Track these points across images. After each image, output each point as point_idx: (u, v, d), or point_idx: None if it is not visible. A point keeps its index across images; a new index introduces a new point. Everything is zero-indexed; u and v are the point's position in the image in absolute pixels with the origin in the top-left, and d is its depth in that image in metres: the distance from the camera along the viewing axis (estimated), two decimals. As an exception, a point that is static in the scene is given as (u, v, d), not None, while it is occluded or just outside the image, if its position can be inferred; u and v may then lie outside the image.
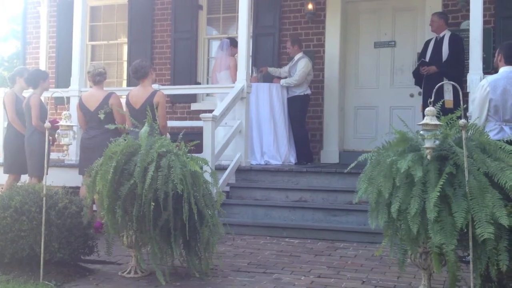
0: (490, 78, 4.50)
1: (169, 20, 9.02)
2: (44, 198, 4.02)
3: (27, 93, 6.60)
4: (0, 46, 21.50)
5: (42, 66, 9.33)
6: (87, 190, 4.10)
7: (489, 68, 6.74)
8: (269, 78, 7.90)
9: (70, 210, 4.16)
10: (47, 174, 4.37)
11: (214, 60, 8.76)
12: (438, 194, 3.12)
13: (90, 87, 6.28)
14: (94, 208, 5.08)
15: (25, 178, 6.05)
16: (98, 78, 5.93)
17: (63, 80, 8.56)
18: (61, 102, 7.52)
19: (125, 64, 9.34)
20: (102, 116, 5.64)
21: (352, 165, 3.69)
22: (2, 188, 6.23)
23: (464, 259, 3.74)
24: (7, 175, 6.36)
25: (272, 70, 7.82)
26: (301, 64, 7.46)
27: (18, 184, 4.63)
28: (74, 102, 7.04)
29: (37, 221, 4.01)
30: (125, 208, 3.94)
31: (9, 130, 6.32)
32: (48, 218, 4.02)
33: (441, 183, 3.14)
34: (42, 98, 6.39)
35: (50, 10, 9.54)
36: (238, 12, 6.89)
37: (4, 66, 20.15)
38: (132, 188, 3.87)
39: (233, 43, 7.51)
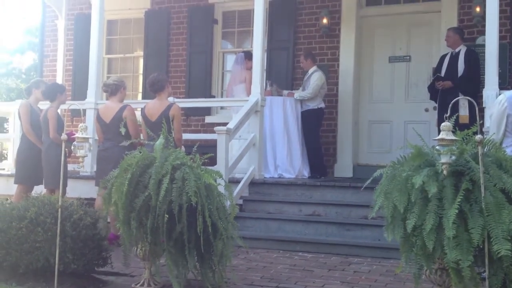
0: (508, 93, 4.47)
1: (184, 34, 9.11)
2: (59, 210, 4.05)
3: (43, 105, 6.68)
4: (18, 58, 21.83)
5: (59, 79, 9.46)
6: (103, 202, 4.13)
7: (505, 83, 6.71)
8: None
9: (85, 222, 4.18)
10: (66, 185, 4.40)
11: (228, 73, 8.83)
12: (457, 211, 3.09)
13: (107, 99, 6.35)
14: (108, 219, 5.11)
15: (39, 189, 6.08)
16: (105, 89, 6.01)
17: (80, 93, 8.66)
18: (77, 115, 7.59)
19: (140, 77, 9.43)
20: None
21: (369, 181, 3.67)
22: (8, 199, 6.26)
23: (481, 276, 3.69)
24: (16, 186, 6.36)
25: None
26: (315, 78, 7.48)
27: (33, 195, 4.67)
28: (90, 114, 7.12)
29: (52, 232, 4.03)
30: (140, 220, 3.95)
31: (23, 141, 6.36)
32: (63, 229, 4.05)
33: (459, 199, 3.12)
34: (59, 111, 6.45)
35: (68, 24, 9.69)
36: (253, 26, 6.94)
37: (22, 79, 20.44)
38: (146, 200, 3.89)
39: (248, 56, 7.55)
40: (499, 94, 4.76)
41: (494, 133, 4.18)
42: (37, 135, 6.26)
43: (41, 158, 6.14)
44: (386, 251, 5.18)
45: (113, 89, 5.95)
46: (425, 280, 3.62)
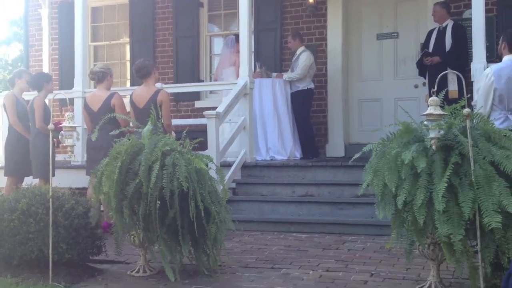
0: (494, 67, 4.47)
1: (170, 19, 9.02)
2: (50, 200, 4.03)
3: (28, 95, 6.61)
4: (4, 49, 21.58)
5: (46, 69, 9.36)
6: (94, 191, 4.11)
7: (493, 56, 6.69)
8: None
9: (77, 211, 4.17)
10: (53, 175, 4.38)
11: (216, 57, 8.77)
12: (446, 185, 3.11)
13: (95, 87, 6.29)
14: (101, 208, 5.10)
15: (30, 181, 6.05)
16: (92, 76, 5.97)
17: (67, 82, 8.58)
18: (65, 104, 7.54)
19: (128, 64, 9.35)
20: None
21: (357, 155, 3.67)
22: (0, 191, 6.22)
23: (473, 249, 3.72)
24: (6, 178, 6.30)
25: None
26: (303, 58, 7.45)
27: (23, 186, 4.64)
28: (78, 103, 7.06)
29: (45, 223, 4.02)
30: (132, 207, 3.95)
31: (11, 132, 6.29)
32: (55, 220, 4.03)
33: (448, 173, 3.13)
34: (46, 100, 6.39)
35: (52, 12, 9.57)
36: (239, 9, 6.88)
37: (9, 70, 20.23)
38: (138, 187, 3.88)
39: (238, 39, 7.49)
40: (487, 67, 4.76)
41: (482, 107, 4.20)
42: (24, 126, 6.19)
43: (29, 149, 6.09)
44: (380, 228, 5.22)
45: (100, 77, 5.89)
46: (419, 255, 3.66)
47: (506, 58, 4.47)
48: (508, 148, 3.19)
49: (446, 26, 6.81)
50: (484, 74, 4.50)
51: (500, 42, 4.63)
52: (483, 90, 4.41)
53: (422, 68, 6.98)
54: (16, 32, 20.75)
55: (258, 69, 7.76)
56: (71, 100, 7.03)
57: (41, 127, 5.89)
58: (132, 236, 4.12)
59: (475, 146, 3.21)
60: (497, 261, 3.14)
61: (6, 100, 6.33)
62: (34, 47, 9.86)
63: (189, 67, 8.84)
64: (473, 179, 3.11)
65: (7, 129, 6.45)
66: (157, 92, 5.65)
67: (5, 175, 6.31)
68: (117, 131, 4.71)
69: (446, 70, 5.93)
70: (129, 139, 4.14)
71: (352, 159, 3.79)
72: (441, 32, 6.83)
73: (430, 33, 7.03)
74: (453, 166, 3.16)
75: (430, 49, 6.85)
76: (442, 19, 6.86)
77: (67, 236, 4.08)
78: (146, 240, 4.10)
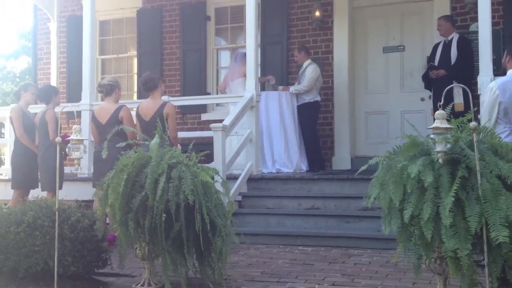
0: (499, 80, 4.46)
1: (177, 32, 9.09)
2: (57, 213, 4.04)
3: (35, 108, 6.64)
4: (12, 62, 21.79)
5: (53, 82, 9.44)
6: (99, 203, 4.11)
7: (500, 69, 6.67)
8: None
9: (82, 224, 4.17)
10: (60, 188, 4.39)
11: (223, 70, 8.81)
12: (453, 199, 3.08)
13: (102, 100, 6.32)
14: (107, 221, 5.10)
15: (37, 193, 6.06)
16: (100, 89, 5.98)
17: (74, 95, 8.64)
18: (72, 117, 7.61)
19: (135, 77, 9.41)
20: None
21: (363, 168, 3.65)
22: (6, 204, 6.22)
23: (480, 263, 3.69)
24: (12, 191, 6.30)
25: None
26: (309, 70, 7.47)
27: (30, 198, 4.65)
28: (85, 116, 7.10)
29: (50, 236, 4.02)
30: (137, 220, 3.94)
31: (17, 145, 6.30)
32: (61, 232, 4.03)
33: (455, 187, 3.10)
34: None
35: (60, 26, 9.67)
36: (245, 22, 6.92)
37: (16, 82, 20.41)
38: (143, 200, 3.87)
39: None
40: (492, 81, 4.75)
41: (487, 121, 4.19)
42: (30, 139, 6.22)
43: (36, 162, 6.11)
44: (386, 242, 5.18)
45: (108, 90, 5.92)
46: (425, 270, 3.62)
47: (511, 71, 4.46)
48: (515, 162, 3.16)
49: (452, 39, 6.82)
50: (488, 88, 4.49)
51: (504, 55, 4.63)
52: (487, 104, 4.40)
53: (428, 81, 6.98)
54: (24, 45, 20.97)
55: (272, 81, 7.78)
56: (79, 113, 7.08)
57: (54, 139, 5.89)
58: (137, 249, 4.11)
59: (482, 159, 3.19)
60: (504, 276, 3.10)
61: (13, 113, 6.36)
62: (42, 60, 9.96)
63: (196, 80, 8.89)
64: (480, 193, 3.09)
65: (14, 142, 6.48)
66: (164, 104, 5.67)
67: (12, 188, 6.32)
68: (124, 144, 4.72)
69: (452, 83, 5.94)
70: (136, 152, 4.15)
71: (358, 171, 3.78)
72: (447, 45, 6.83)
73: (435, 47, 7.04)
74: (460, 180, 3.13)
75: (436, 63, 6.85)
76: (448, 32, 6.87)
77: (72, 249, 4.08)
78: (152, 253, 4.09)
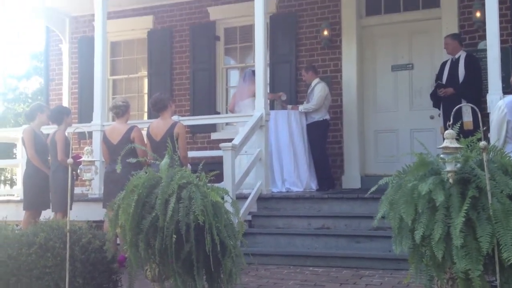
0: (507, 99, 4.45)
1: (187, 52, 9.18)
2: (68, 234, 4.06)
3: (47, 129, 6.70)
4: (24, 83, 22.06)
5: (65, 102, 9.55)
6: (110, 224, 4.13)
7: (509, 87, 6.66)
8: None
9: (93, 245, 4.18)
10: (71, 209, 4.41)
11: (232, 89, 8.87)
12: (464, 219, 3.06)
13: (113, 121, 6.38)
14: (118, 241, 5.11)
15: (48, 214, 6.09)
16: (115, 110, 6.03)
17: (86, 115, 8.72)
18: (84, 137, 7.67)
19: (145, 97, 9.50)
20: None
21: (373, 189, 3.65)
22: (18, 225, 6.25)
23: (492, 283, 3.65)
24: (23, 211, 6.33)
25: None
26: (318, 89, 7.50)
27: (41, 220, 4.68)
28: (96, 136, 7.16)
29: (62, 257, 4.03)
30: (148, 241, 3.94)
31: (29, 166, 6.33)
32: (72, 254, 4.05)
33: (466, 208, 3.09)
34: (66, 133, 6.48)
35: (72, 47, 9.81)
36: (254, 42, 6.98)
37: (28, 103, 20.64)
38: (154, 221, 3.88)
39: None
40: (501, 99, 4.74)
41: (496, 140, 4.17)
42: (42, 160, 6.27)
43: (47, 183, 6.16)
44: (397, 263, 5.14)
45: (124, 110, 5.99)
46: (437, 290, 3.59)
47: (519, 90, 4.46)
48: (526, 181, 3.14)
49: (459, 57, 6.83)
50: (497, 107, 4.48)
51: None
52: (496, 123, 4.38)
53: (436, 99, 6.98)
54: (36, 66, 21.23)
55: (284, 97, 7.81)
56: (90, 134, 7.14)
57: (62, 160, 5.95)
58: (147, 271, 4.11)
59: (492, 179, 3.17)
60: (517, 296, 3.07)
61: (25, 134, 6.40)
62: (54, 81, 10.09)
63: (205, 100, 8.95)
64: (491, 213, 3.07)
65: (25, 163, 6.53)
66: (174, 125, 5.72)
67: (24, 209, 6.35)
68: (134, 160, 4.75)
69: (460, 101, 5.94)
70: (146, 172, 4.17)
71: (369, 192, 3.77)
72: (454, 64, 6.84)
73: (443, 65, 7.05)
74: (470, 199, 3.11)
75: (444, 81, 6.86)
76: (455, 50, 6.88)
77: (83, 271, 4.08)
78: (162, 275, 4.09)
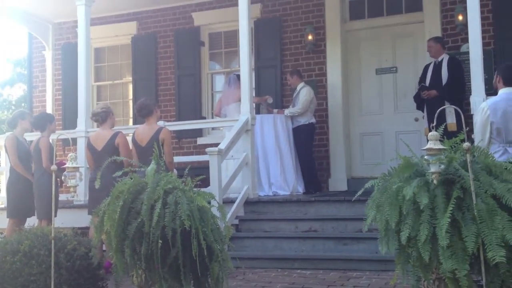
0: (490, 101, 4.51)
1: (172, 58, 9.17)
2: (52, 242, 4.01)
3: (30, 136, 6.63)
4: (8, 90, 21.85)
5: (49, 109, 9.47)
6: (95, 230, 4.09)
7: (492, 89, 6.74)
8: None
9: (79, 252, 4.15)
10: (55, 216, 4.37)
11: (218, 94, 8.86)
12: (449, 220, 3.08)
13: (98, 127, 6.34)
14: (104, 248, 5.06)
15: (33, 221, 6.03)
16: (94, 118, 6.00)
17: (70, 122, 8.67)
18: (68, 144, 7.61)
19: (130, 103, 9.45)
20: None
21: (359, 193, 3.67)
22: (2, 233, 6.18)
23: (478, 283, 3.67)
24: (8, 220, 6.25)
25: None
26: (303, 93, 7.53)
27: (25, 227, 4.63)
28: (81, 143, 7.10)
29: (46, 265, 3.99)
30: (134, 247, 3.91)
31: (12, 174, 6.27)
32: (57, 261, 4.01)
33: (451, 208, 3.11)
34: (50, 140, 6.42)
35: (55, 54, 9.74)
36: (239, 47, 6.99)
37: (12, 110, 20.44)
38: (139, 227, 3.85)
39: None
40: (483, 102, 4.80)
41: (480, 140, 4.22)
42: (25, 167, 6.21)
43: (31, 190, 6.09)
44: (384, 264, 5.16)
45: (103, 117, 5.95)
46: (424, 291, 3.60)
47: (501, 91, 4.51)
48: (510, 181, 3.17)
49: (442, 60, 6.91)
50: (480, 108, 4.54)
51: (495, 75, 4.68)
52: (480, 124, 4.43)
53: (420, 102, 7.04)
54: (20, 73, 21.07)
55: (269, 101, 7.82)
56: (74, 140, 7.08)
57: (47, 167, 5.90)
58: (134, 277, 4.08)
59: (477, 180, 3.20)
60: (503, 296, 3.09)
61: (7, 142, 6.33)
62: (38, 88, 10.00)
63: (191, 105, 8.94)
64: (475, 213, 3.10)
65: (9, 170, 6.46)
66: (159, 130, 5.70)
67: (7, 216, 6.27)
68: (120, 173, 4.71)
69: (444, 103, 5.99)
70: (132, 178, 4.15)
71: (356, 196, 3.78)
72: (437, 66, 6.92)
73: (426, 68, 7.12)
74: (455, 200, 3.14)
75: (427, 83, 6.93)
76: (438, 53, 6.96)
77: (69, 278, 4.04)
78: (148, 280, 4.06)
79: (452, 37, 7.60)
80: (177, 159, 6.91)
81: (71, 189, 4.22)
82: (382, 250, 3.38)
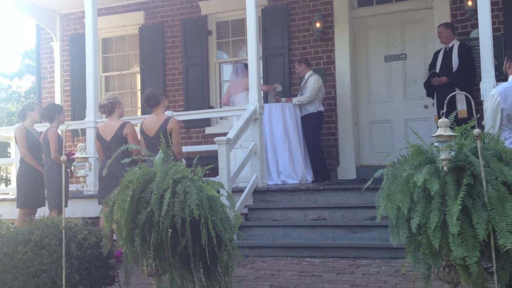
0: (500, 87, 4.45)
1: (179, 47, 9.14)
2: (63, 231, 4.04)
3: (40, 127, 6.66)
4: (16, 82, 21.95)
5: (58, 100, 9.50)
6: (105, 220, 4.11)
7: (502, 75, 6.68)
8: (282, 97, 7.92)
9: (89, 241, 4.17)
10: (66, 206, 4.40)
11: (226, 83, 8.84)
12: (460, 207, 3.07)
13: (106, 117, 6.36)
14: (115, 237, 5.09)
15: (43, 212, 6.07)
16: (101, 110, 6.02)
17: (79, 112, 8.70)
18: (77, 134, 7.64)
19: (138, 93, 9.46)
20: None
21: (369, 182, 3.66)
22: (13, 223, 6.22)
23: (489, 270, 3.66)
24: (18, 210, 6.29)
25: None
26: (311, 81, 7.49)
27: (36, 217, 4.66)
28: (90, 133, 7.13)
29: (58, 254, 4.02)
30: (144, 236, 3.93)
31: (22, 165, 6.30)
32: (68, 251, 4.03)
33: (461, 195, 3.09)
34: (59, 131, 6.45)
35: (63, 45, 9.75)
36: (246, 35, 6.96)
37: (21, 102, 20.54)
38: (149, 216, 3.87)
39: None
40: (494, 88, 4.75)
41: (491, 127, 4.17)
42: (35, 157, 6.24)
43: (41, 181, 6.13)
44: (394, 251, 5.15)
45: (110, 108, 5.96)
46: (434, 278, 3.60)
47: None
48: (520, 167, 3.15)
49: (453, 46, 6.84)
50: (490, 95, 4.48)
51: (505, 61, 4.62)
52: (490, 111, 4.39)
53: (430, 88, 6.98)
54: (28, 64, 21.14)
55: (279, 88, 7.79)
56: (83, 131, 7.10)
57: (56, 158, 5.94)
58: (144, 265, 4.10)
59: (487, 166, 3.18)
60: (513, 283, 3.08)
61: (17, 133, 6.37)
62: (46, 79, 10.03)
63: (199, 94, 8.93)
64: (486, 200, 3.08)
65: (19, 161, 6.50)
66: (167, 120, 5.69)
67: (17, 207, 6.33)
68: (129, 160, 4.72)
69: (454, 90, 5.94)
70: (141, 168, 4.16)
71: (365, 186, 3.76)
72: (448, 53, 6.85)
73: (436, 54, 7.05)
74: (465, 187, 3.12)
75: (437, 70, 6.87)
76: (448, 39, 6.89)
77: (80, 267, 4.07)
78: (159, 269, 4.08)
79: (461, 23, 7.52)
80: (185, 148, 6.92)
81: (81, 179, 4.23)
82: (393, 241, 3.36)
